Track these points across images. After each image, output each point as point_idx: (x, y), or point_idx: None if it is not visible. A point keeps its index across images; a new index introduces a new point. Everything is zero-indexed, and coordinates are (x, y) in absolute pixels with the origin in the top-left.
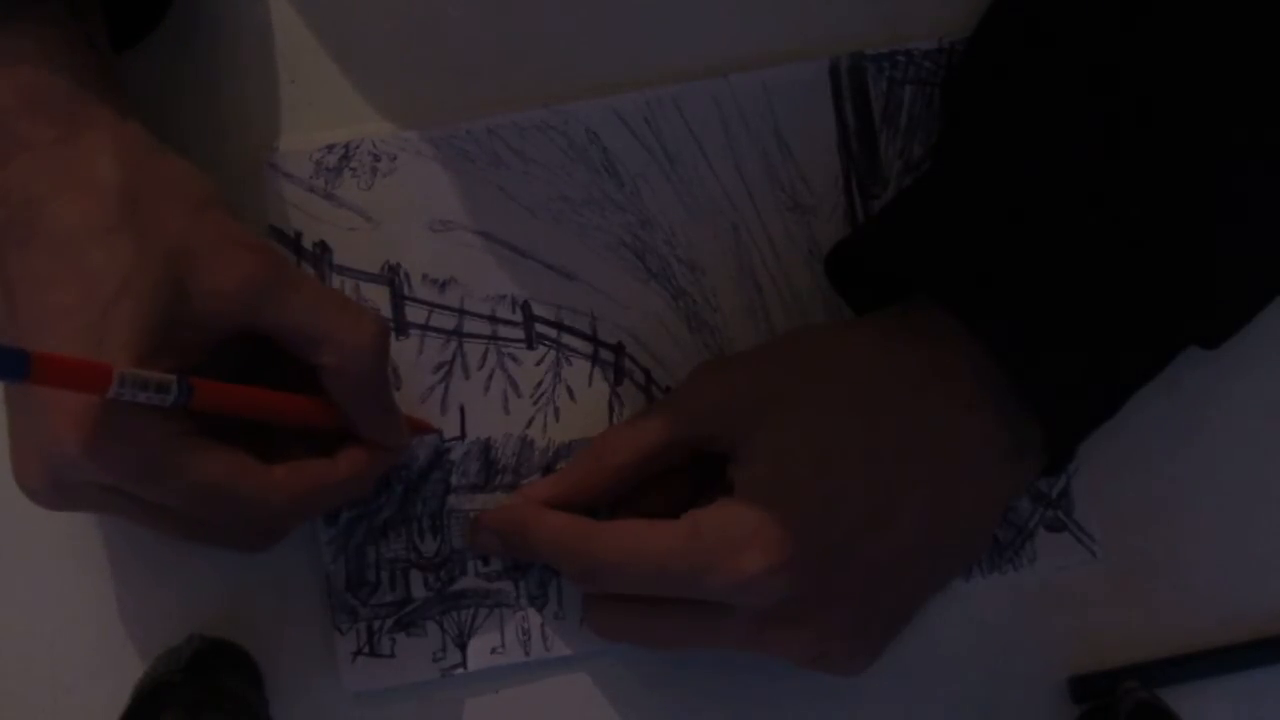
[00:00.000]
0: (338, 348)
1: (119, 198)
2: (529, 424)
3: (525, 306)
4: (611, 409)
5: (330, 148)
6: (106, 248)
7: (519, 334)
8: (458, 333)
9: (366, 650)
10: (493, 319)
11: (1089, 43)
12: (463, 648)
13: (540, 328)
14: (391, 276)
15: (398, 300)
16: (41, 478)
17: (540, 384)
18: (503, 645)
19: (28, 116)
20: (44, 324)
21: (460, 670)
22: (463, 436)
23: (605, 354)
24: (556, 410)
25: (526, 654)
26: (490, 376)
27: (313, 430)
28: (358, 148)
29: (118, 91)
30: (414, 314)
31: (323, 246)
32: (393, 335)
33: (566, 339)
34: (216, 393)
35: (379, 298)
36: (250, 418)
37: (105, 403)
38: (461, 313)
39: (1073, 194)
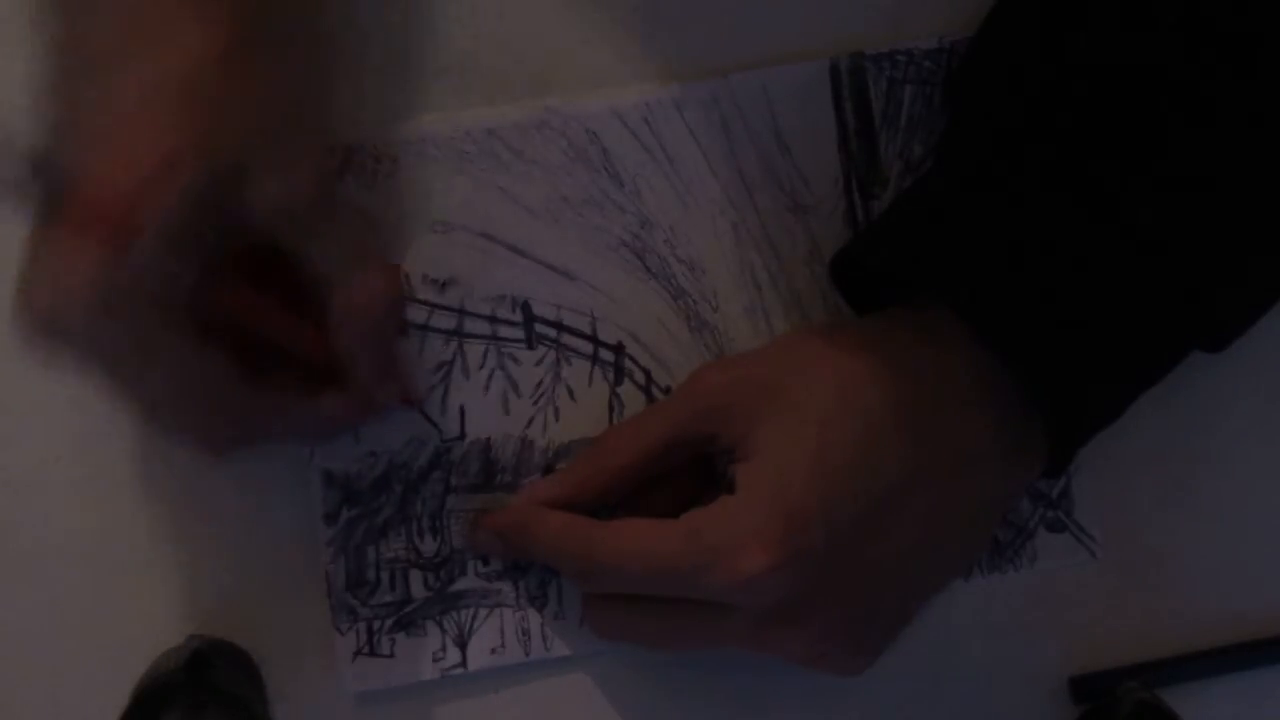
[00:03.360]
0: (343, 300)
1: (215, 64)
2: (529, 424)
3: (525, 306)
4: (611, 409)
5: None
6: (184, 108)
7: (519, 334)
8: (458, 333)
9: (366, 650)
10: (493, 319)
11: (1093, 43)
12: (463, 648)
13: (540, 328)
14: None
15: None
16: (46, 309)
17: (540, 384)
18: (503, 645)
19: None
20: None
21: (460, 670)
22: (463, 436)
23: (605, 354)
24: (556, 410)
25: (526, 654)
26: (490, 376)
27: (305, 357)
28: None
29: None
30: (414, 314)
31: None
32: None
33: (566, 339)
34: (234, 288)
35: None
36: (255, 325)
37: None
38: (461, 313)
39: (1077, 195)
